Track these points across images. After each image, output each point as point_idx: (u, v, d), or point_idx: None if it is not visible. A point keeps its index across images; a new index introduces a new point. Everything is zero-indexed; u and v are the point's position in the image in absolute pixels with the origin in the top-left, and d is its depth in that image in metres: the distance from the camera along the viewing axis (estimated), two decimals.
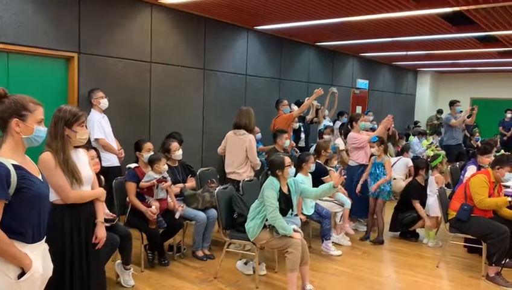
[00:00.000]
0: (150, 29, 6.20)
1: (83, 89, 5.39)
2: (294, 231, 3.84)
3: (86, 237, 2.75)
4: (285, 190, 3.99)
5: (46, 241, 2.26)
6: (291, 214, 4.03)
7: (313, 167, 5.10)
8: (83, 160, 2.78)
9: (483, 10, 5.84)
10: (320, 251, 5.04)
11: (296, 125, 7.46)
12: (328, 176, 5.39)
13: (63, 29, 5.19)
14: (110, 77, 5.76)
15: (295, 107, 7.33)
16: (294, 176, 4.48)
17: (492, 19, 6.35)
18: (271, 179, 3.95)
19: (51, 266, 2.29)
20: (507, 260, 4.46)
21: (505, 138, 11.94)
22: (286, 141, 5.73)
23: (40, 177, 2.20)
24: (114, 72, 5.82)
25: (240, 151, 5.14)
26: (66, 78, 5.41)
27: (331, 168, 5.63)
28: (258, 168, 5.39)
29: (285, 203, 3.95)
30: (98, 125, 5.04)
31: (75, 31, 5.33)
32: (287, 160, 3.99)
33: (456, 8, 5.71)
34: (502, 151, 7.84)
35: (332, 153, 5.86)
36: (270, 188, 3.86)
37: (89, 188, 2.81)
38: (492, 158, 5.90)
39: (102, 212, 2.93)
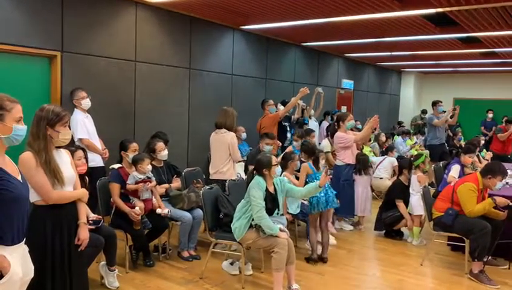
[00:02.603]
0: (134, 28, 6.14)
1: (66, 88, 5.31)
2: (281, 230, 3.85)
3: (69, 239, 2.71)
4: (271, 190, 3.99)
5: (26, 243, 2.21)
6: (278, 213, 4.03)
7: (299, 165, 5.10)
8: (65, 160, 2.74)
9: (465, 12, 5.93)
10: (307, 250, 5.05)
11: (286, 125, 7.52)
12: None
13: (45, 28, 5.11)
14: (94, 76, 5.69)
15: (281, 108, 7.35)
16: (280, 175, 4.48)
17: (474, 21, 6.45)
18: (257, 178, 3.94)
19: (32, 268, 2.24)
20: (489, 257, 4.54)
21: (486, 138, 12.16)
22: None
23: (19, 178, 2.15)
24: (98, 71, 5.75)
25: (222, 149, 5.20)
26: (49, 77, 5.32)
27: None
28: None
29: (272, 203, 3.95)
30: (82, 124, 4.97)
31: (58, 30, 5.25)
32: (274, 159, 3.99)
33: (440, 10, 5.78)
34: (484, 151, 7.97)
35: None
36: (257, 187, 3.86)
37: (71, 189, 2.77)
38: (475, 158, 6.02)
39: (85, 213, 2.89)
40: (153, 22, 6.40)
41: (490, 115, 12.73)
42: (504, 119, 8.97)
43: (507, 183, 4.67)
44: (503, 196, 4.47)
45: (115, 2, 5.84)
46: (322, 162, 5.70)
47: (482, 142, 9.37)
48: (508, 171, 4.67)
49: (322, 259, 4.79)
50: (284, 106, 7.33)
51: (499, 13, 5.97)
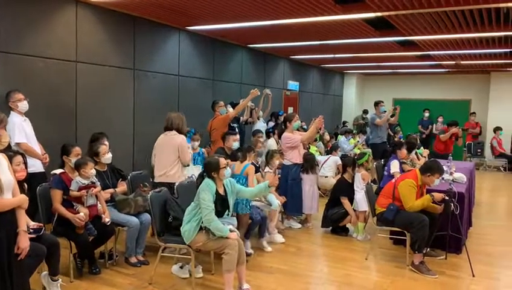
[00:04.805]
0: (75, 27, 5.90)
1: (1, 90, 5.00)
2: (231, 231, 3.85)
3: (8, 248, 2.56)
4: (221, 191, 3.99)
5: None
6: (228, 215, 4.03)
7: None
8: (2, 165, 2.59)
9: (402, 16, 6.24)
10: (256, 249, 5.08)
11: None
12: (259, 173, 5.46)
13: None
14: (31, 77, 5.40)
15: (230, 109, 7.37)
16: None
17: (410, 25, 6.80)
18: (207, 181, 3.92)
19: None
20: (428, 249, 4.81)
21: (423, 136, 12.87)
22: (234, 143, 5.76)
23: None
24: (36, 72, 5.46)
25: (171, 151, 5.05)
26: None
27: (269, 171, 5.68)
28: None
29: (222, 205, 3.94)
30: (20, 128, 4.69)
31: None
32: (222, 162, 3.98)
33: (379, 14, 6.05)
34: (422, 149, 8.41)
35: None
36: (206, 190, 3.84)
37: (10, 196, 2.63)
38: (413, 155, 6.35)
39: (25, 220, 2.75)
40: (94, 21, 6.18)
41: (426, 114, 13.49)
42: (447, 123, 9.32)
43: (443, 178, 4.96)
44: (440, 191, 4.76)
45: None
46: (276, 162, 5.79)
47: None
48: (444, 167, 4.97)
49: None
50: (233, 107, 7.36)
51: (433, 18, 6.34)
